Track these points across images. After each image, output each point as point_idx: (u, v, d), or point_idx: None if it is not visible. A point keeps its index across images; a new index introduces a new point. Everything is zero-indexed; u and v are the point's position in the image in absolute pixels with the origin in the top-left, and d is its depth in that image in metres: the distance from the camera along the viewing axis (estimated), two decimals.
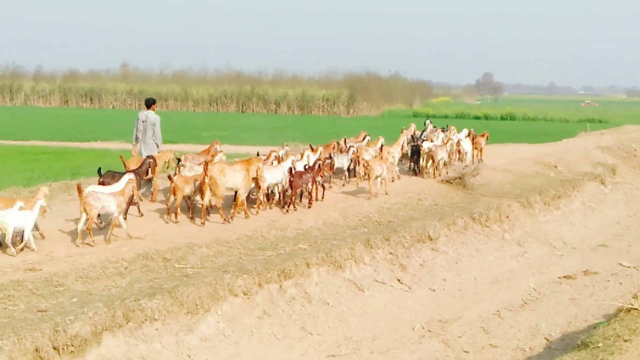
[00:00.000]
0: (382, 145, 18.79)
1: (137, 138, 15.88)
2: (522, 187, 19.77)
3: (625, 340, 8.25)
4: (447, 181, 18.63)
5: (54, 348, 7.97)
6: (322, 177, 15.86)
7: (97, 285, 9.77)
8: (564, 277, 14.26)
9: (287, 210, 14.76)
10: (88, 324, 8.36)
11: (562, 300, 12.87)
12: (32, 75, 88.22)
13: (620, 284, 13.81)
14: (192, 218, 13.66)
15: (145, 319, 9.04)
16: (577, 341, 9.35)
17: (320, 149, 17.22)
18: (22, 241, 10.76)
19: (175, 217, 13.36)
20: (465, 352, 10.40)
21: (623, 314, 9.56)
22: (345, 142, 19.18)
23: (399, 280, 12.96)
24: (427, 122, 23.41)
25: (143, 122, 15.76)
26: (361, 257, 12.73)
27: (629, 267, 15.04)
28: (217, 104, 79.94)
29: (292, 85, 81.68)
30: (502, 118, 68.11)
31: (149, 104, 16.08)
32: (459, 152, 21.44)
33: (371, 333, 10.93)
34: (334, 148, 18.57)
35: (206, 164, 13.38)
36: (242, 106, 79.21)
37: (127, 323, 8.83)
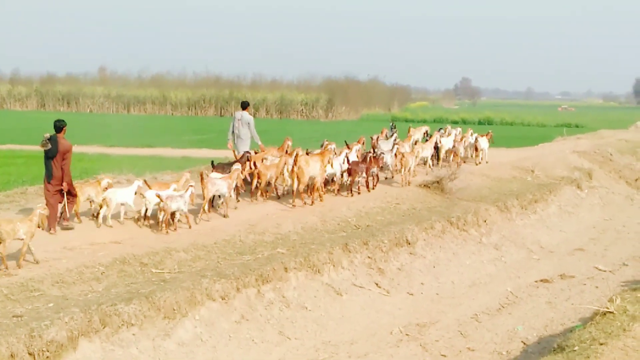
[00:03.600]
0: (415, 141, 21.42)
1: (232, 134, 18.24)
2: (499, 191, 19.88)
3: (601, 344, 8.31)
4: (425, 185, 18.65)
5: (30, 353, 7.91)
6: (378, 167, 18.13)
7: (73, 290, 9.71)
8: (541, 280, 14.36)
9: (352, 194, 17.07)
10: (64, 329, 8.31)
11: (539, 304, 12.95)
12: (9, 78, 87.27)
13: (597, 287, 13.93)
14: (278, 198, 16.25)
15: (122, 324, 9.00)
16: (553, 344, 9.42)
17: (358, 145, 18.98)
18: (173, 220, 13.22)
19: (262, 196, 15.93)
20: (442, 355, 10.43)
21: (599, 317, 9.64)
22: (377, 139, 20.93)
23: (377, 284, 12.98)
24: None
25: (239, 120, 18.12)
26: (339, 262, 12.74)
27: (605, 270, 15.17)
28: (195, 107, 79.60)
29: (270, 89, 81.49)
30: (479, 123, 68.21)
31: (244, 106, 18.68)
32: (477, 149, 23.46)
33: (349, 337, 10.94)
34: (363, 143, 19.81)
35: (297, 155, 15.55)
36: (221, 110, 78.87)
37: (103, 328, 8.78)
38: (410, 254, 14.29)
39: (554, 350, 8.88)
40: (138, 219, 13.44)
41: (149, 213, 13.34)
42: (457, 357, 10.42)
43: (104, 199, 13.05)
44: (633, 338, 8.52)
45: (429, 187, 18.53)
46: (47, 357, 8.06)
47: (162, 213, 12.96)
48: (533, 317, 12.24)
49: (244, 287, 10.78)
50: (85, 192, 13.27)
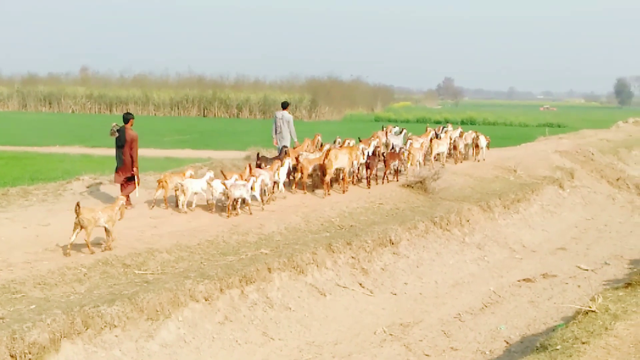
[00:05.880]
0: (431, 138, 22.54)
1: (275, 132, 19.72)
2: (482, 191, 19.94)
3: (583, 343, 8.37)
4: (408, 185, 18.68)
5: (12, 356, 7.85)
6: (399, 161, 19.79)
7: (55, 292, 9.64)
8: (524, 280, 14.42)
9: (369, 186, 18.64)
10: (46, 331, 8.25)
11: (521, 303, 13.01)
12: None
13: (579, 286, 14.01)
14: (313, 191, 17.58)
15: (105, 326, 8.95)
16: (536, 344, 9.46)
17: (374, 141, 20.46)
18: (235, 207, 14.75)
19: (302, 189, 17.30)
20: (426, 355, 10.45)
21: (581, 316, 9.70)
22: (387, 134, 22.90)
23: (360, 284, 12.98)
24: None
25: (280, 119, 19.58)
26: (323, 262, 12.73)
27: (587, 270, 15.26)
28: (178, 108, 79.40)
29: (254, 89, 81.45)
30: (462, 122, 68.10)
31: (284, 106, 20.07)
32: (477, 145, 25.22)
33: (333, 337, 10.94)
34: (378, 139, 21.18)
35: (327, 150, 17.24)
36: (204, 110, 78.77)
37: (86, 330, 8.73)
38: (394, 254, 14.31)
39: (537, 349, 8.92)
40: (209, 207, 14.90)
41: (214, 200, 14.90)
42: (440, 357, 10.44)
43: (181, 186, 14.60)
44: (615, 337, 8.59)
45: (412, 187, 18.57)
46: (29, 359, 8.00)
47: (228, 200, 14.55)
48: (516, 316, 12.29)
49: (228, 288, 10.75)
50: (174, 180, 14.85)
